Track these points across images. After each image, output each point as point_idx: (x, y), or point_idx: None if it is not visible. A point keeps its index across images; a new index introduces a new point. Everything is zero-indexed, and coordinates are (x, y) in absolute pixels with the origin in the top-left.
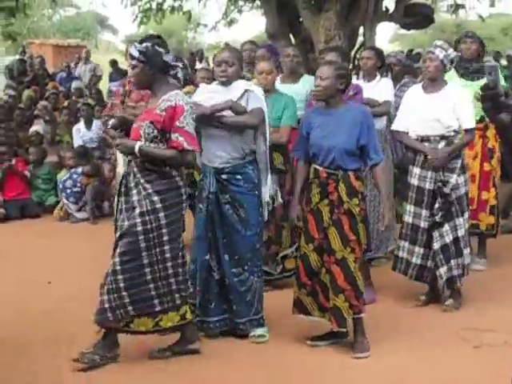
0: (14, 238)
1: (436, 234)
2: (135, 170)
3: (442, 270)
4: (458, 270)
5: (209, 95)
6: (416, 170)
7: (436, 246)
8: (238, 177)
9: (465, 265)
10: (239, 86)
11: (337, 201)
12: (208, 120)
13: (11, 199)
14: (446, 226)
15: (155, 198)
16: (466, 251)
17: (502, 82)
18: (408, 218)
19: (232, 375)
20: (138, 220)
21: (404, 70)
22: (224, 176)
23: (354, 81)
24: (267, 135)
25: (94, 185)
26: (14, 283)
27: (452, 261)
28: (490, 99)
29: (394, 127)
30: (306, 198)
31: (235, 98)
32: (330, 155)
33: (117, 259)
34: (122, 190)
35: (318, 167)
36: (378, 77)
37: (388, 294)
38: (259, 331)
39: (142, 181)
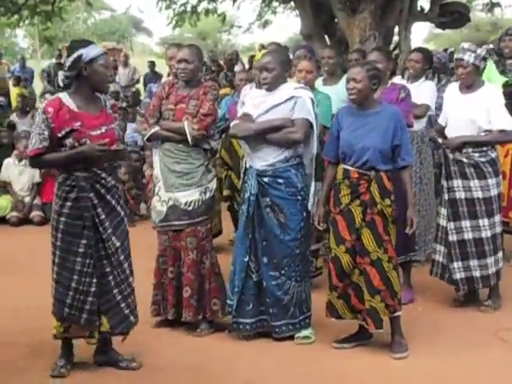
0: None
1: (451, 225)
2: None
3: (456, 265)
4: (479, 271)
5: (256, 100)
6: (443, 183)
7: (451, 238)
8: (280, 181)
9: (494, 271)
10: (286, 90)
11: (369, 201)
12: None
13: (49, 202)
14: (467, 223)
15: None
16: (498, 256)
17: None
18: (442, 221)
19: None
20: None
21: (442, 69)
22: (265, 179)
23: (398, 80)
24: (315, 142)
25: (129, 186)
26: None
27: (471, 261)
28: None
29: (438, 120)
30: (334, 198)
31: (280, 101)
32: (363, 156)
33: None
34: None
35: (348, 167)
36: (423, 79)
37: (427, 295)
38: (304, 333)
39: None
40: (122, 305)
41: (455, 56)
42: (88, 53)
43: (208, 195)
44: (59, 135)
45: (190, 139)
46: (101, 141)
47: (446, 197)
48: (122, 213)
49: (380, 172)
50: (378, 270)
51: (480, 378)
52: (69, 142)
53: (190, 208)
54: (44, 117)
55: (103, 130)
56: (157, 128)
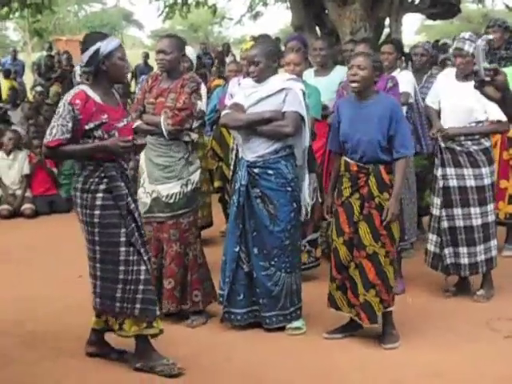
0: (43, 233)
1: (443, 212)
2: None
3: (447, 251)
4: (468, 258)
5: (247, 91)
6: (437, 171)
7: (443, 225)
8: (270, 172)
9: (483, 258)
10: (277, 82)
11: (367, 195)
12: (243, 128)
13: (40, 195)
14: (458, 211)
15: None
16: (489, 244)
17: None
18: (435, 211)
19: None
20: None
21: (431, 60)
22: (256, 170)
23: None
24: (307, 133)
25: None
26: (44, 277)
27: (460, 248)
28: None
29: (426, 102)
30: (337, 190)
31: (271, 93)
32: (360, 148)
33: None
34: None
35: (348, 160)
36: (398, 69)
37: (417, 285)
38: (296, 324)
39: None
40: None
41: (454, 45)
42: (106, 46)
43: (189, 188)
44: (86, 127)
45: (165, 134)
46: (125, 136)
47: (439, 185)
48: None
49: (378, 165)
50: (373, 264)
51: (470, 368)
52: (98, 134)
53: (171, 201)
54: (70, 108)
55: (125, 122)
56: (139, 122)
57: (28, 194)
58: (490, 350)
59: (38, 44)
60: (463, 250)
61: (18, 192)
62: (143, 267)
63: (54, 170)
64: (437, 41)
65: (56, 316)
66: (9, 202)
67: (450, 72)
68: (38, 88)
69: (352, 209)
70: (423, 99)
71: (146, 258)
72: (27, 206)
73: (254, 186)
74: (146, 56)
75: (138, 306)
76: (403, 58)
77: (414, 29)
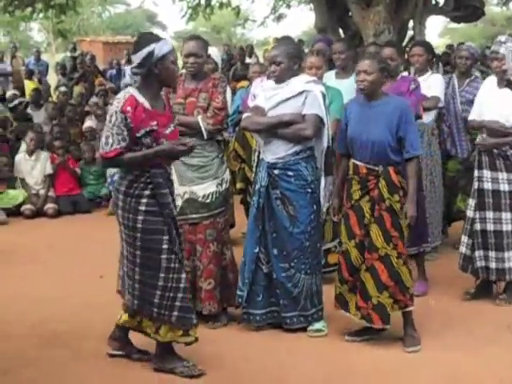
0: (66, 232)
1: (477, 215)
2: None
3: (477, 254)
4: (495, 263)
5: (268, 93)
6: (475, 172)
7: (475, 227)
8: (290, 173)
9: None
10: (297, 84)
11: (377, 197)
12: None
13: (63, 195)
14: (490, 214)
15: None
16: None
17: None
18: (469, 213)
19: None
20: None
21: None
22: (276, 171)
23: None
24: (326, 135)
25: None
26: (66, 277)
27: (490, 252)
28: None
29: (470, 118)
30: (346, 193)
31: (291, 95)
32: (368, 148)
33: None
34: None
35: (357, 162)
36: (430, 72)
37: (439, 288)
38: (317, 326)
39: None
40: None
41: (491, 48)
42: (160, 49)
43: (224, 186)
44: (137, 135)
45: (205, 134)
46: (176, 140)
47: (475, 186)
48: None
49: (388, 167)
50: (386, 265)
51: (489, 372)
52: (146, 141)
53: (208, 200)
54: (122, 116)
55: (172, 128)
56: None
57: (51, 193)
58: (510, 354)
59: (62, 45)
60: (492, 254)
61: (41, 192)
62: (183, 275)
63: (78, 170)
64: (461, 43)
65: (77, 316)
66: (32, 202)
67: (491, 80)
68: (62, 88)
69: (362, 211)
70: (462, 103)
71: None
72: (50, 206)
73: (274, 187)
74: None
75: (175, 313)
76: (434, 59)
77: (437, 32)
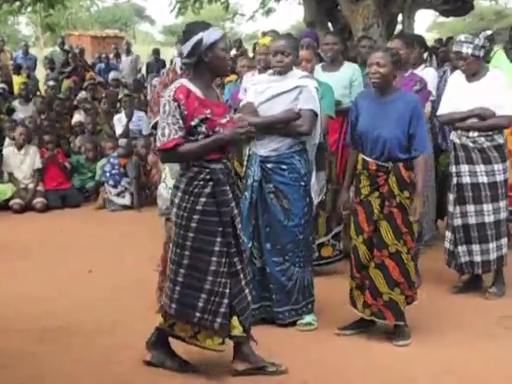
0: (54, 227)
1: (457, 210)
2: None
3: (460, 249)
4: (480, 256)
5: (260, 87)
6: (452, 168)
7: (456, 222)
8: (283, 167)
9: (496, 256)
10: (293, 78)
11: (388, 194)
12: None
13: (52, 189)
14: (471, 208)
15: None
16: (501, 242)
17: None
18: (450, 207)
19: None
20: None
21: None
22: (269, 165)
23: None
24: (318, 130)
25: (132, 162)
26: (55, 273)
27: (473, 246)
28: None
29: (439, 112)
30: (355, 188)
31: (284, 90)
32: (379, 145)
33: None
34: None
35: (366, 158)
36: (423, 65)
37: (428, 281)
38: (307, 319)
39: None
40: (250, 306)
41: (453, 49)
42: (209, 36)
43: None
44: (192, 123)
45: None
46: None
47: (454, 181)
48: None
49: (398, 163)
50: (397, 262)
51: (482, 366)
52: (202, 130)
53: None
54: (176, 104)
55: (228, 118)
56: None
57: (40, 188)
58: (502, 347)
59: (51, 39)
60: (476, 247)
61: (30, 186)
62: (229, 281)
63: (67, 164)
64: (450, 37)
65: (67, 312)
66: (21, 197)
67: (459, 74)
68: (51, 82)
69: (371, 207)
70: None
71: (239, 268)
72: (39, 200)
73: (267, 181)
74: (157, 52)
75: (218, 319)
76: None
77: (425, 26)
